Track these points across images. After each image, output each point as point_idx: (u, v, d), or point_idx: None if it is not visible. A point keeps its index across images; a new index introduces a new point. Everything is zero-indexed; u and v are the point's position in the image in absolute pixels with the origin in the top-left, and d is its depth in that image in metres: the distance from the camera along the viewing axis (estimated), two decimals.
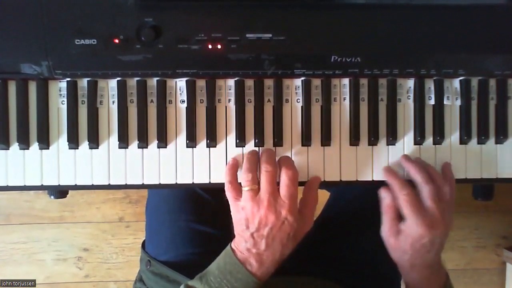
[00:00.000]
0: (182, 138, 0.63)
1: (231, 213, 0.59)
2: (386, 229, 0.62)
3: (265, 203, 0.56)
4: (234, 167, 0.61)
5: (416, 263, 0.61)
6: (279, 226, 0.56)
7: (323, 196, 0.92)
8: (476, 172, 0.64)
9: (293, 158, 0.63)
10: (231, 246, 0.60)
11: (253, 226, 0.56)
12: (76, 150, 0.62)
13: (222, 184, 0.63)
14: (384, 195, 0.62)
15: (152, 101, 0.62)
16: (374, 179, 0.64)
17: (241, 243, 0.58)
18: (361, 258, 0.79)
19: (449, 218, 0.59)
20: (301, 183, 0.62)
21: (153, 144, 0.62)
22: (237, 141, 0.62)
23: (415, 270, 0.62)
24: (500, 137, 0.65)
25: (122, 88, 0.62)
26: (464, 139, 0.64)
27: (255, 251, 0.57)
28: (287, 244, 0.58)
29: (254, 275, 0.57)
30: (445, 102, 0.64)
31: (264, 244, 0.57)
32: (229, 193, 0.59)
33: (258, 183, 0.57)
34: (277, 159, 0.61)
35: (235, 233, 0.60)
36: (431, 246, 0.59)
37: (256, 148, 0.63)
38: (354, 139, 0.63)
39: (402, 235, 0.60)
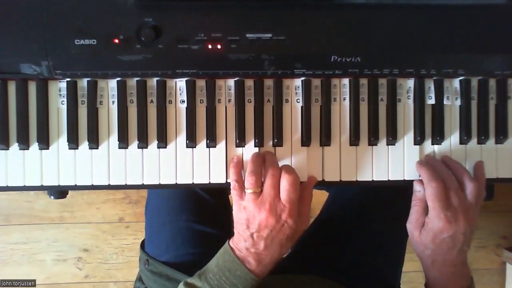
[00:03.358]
0: (182, 138, 0.63)
1: (233, 211, 0.59)
2: (412, 221, 0.62)
3: (266, 206, 0.56)
4: (239, 165, 0.61)
5: (438, 259, 0.61)
6: (278, 228, 0.57)
7: (322, 196, 0.92)
8: None
9: (292, 158, 0.63)
10: (229, 244, 0.60)
11: (253, 227, 0.57)
12: (76, 150, 0.62)
13: (222, 184, 0.63)
14: (419, 188, 0.62)
15: (152, 101, 0.62)
16: (374, 179, 0.64)
17: (240, 242, 0.59)
18: (361, 258, 0.79)
19: (473, 217, 0.59)
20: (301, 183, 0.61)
21: (153, 144, 0.62)
22: (237, 141, 0.62)
23: (436, 266, 0.62)
24: (500, 137, 0.65)
25: (122, 88, 0.62)
26: (464, 139, 0.64)
27: (254, 250, 0.58)
28: (286, 244, 0.59)
29: (253, 273, 0.58)
30: (445, 102, 0.64)
31: (263, 245, 0.57)
32: (234, 191, 0.59)
33: (261, 186, 0.58)
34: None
35: (235, 231, 0.60)
36: (452, 242, 0.59)
37: (256, 149, 0.63)
38: (354, 139, 0.63)
39: (425, 229, 0.60)
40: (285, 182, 0.57)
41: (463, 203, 0.59)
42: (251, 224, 0.57)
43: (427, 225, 0.60)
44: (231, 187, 0.60)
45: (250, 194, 0.57)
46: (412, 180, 0.63)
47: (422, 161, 0.63)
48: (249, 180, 0.57)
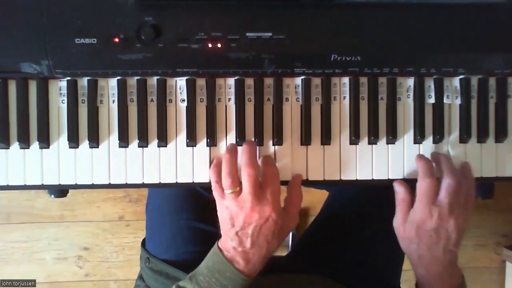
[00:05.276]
0: (182, 137, 0.63)
1: (218, 212, 0.60)
2: (398, 219, 0.62)
3: (248, 204, 0.56)
4: (219, 165, 0.60)
5: (424, 254, 0.60)
6: (263, 224, 0.57)
7: (322, 195, 0.92)
8: (476, 171, 0.64)
9: (292, 157, 0.63)
10: (218, 245, 0.60)
11: (238, 224, 0.57)
12: (77, 149, 0.62)
13: None
14: (398, 189, 0.62)
15: (152, 100, 0.62)
16: (374, 178, 0.64)
17: (227, 242, 0.59)
18: (361, 257, 0.79)
19: (459, 214, 0.59)
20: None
21: (153, 143, 0.62)
22: (237, 140, 0.62)
23: (423, 263, 0.61)
24: (500, 136, 0.65)
25: (122, 87, 0.62)
26: (464, 138, 0.64)
27: (241, 249, 0.58)
28: (273, 241, 0.59)
29: (242, 273, 0.58)
30: (445, 101, 0.64)
31: (249, 242, 0.57)
32: (215, 192, 0.59)
33: (240, 183, 0.57)
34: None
35: (221, 232, 0.60)
36: (436, 237, 0.59)
37: (257, 148, 0.63)
38: (354, 138, 0.63)
39: (408, 221, 0.61)
40: (266, 175, 0.57)
41: (452, 200, 0.58)
42: (236, 222, 0.57)
43: (410, 217, 0.60)
44: (212, 187, 0.60)
45: (230, 194, 0.57)
46: (412, 179, 0.63)
47: (421, 155, 0.63)
48: (226, 182, 0.57)
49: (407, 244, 0.62)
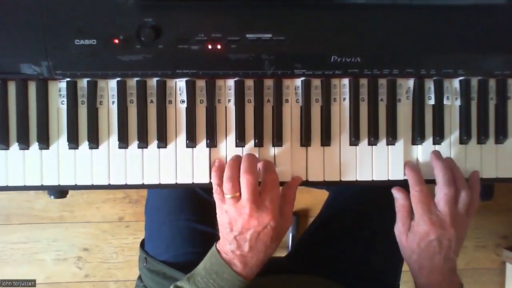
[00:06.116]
0: (182, 138, 0.63)
1: (217, 215, 0.60)
2: (399, 227, 0.63)
3: (247, 210, 0.56)
4: (221, 168, 0.60)
5: (425, 264, 0.61)
6: (261, 230, 0.57)
7: (322, 195, 0.92)
8: None
9: (292, 158, 0.63)
10: (216, 247, 0.60)
11: (236, 229, 0.57)
12: (76, 150, 0.62)
13: None
14: (397, 196, 0.63)
15: (152, 101, 0.62)
16: (374, 179, 0.64)
17: (225, 245, 0.59)
18: (360, 258, 0.79)
19: (461, 223, 0.59)
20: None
21: (153, 144, 0.62)
22: (237, 141, 0.62)
23: (423, 273, 0.61)
24: (500, 137, 0.65)
25: (122, 88, 0.62)
26: (464, 139, 0.64)
27: (239, 252, 0.58)
28: (271, 245, 0.59)
29: (240, 275, 0.58)
30: (445, 102, 0.64)
31: (247, 247, 0.58)
32: (216, 195, 0.59)
33: (239, 190, 0.57)
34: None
35: (220, 234, 0.60)
36: (438, 247, 0.59)
37: (256, 149, 0.63)
38: (354, 139, 0.63)
39: (411, 232, 0.61)
40: (265, 182, 0.57)
41: (451, 210, 0.59)
42: (234, 226, 0.57)
43: (413, 228, 0.61)
44: (213, 190, 0.60)
45: (230, 199, 0.57)
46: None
47: (409, 164, 0.63)
48: (226, 187, 0.57)
49: (409, 254, 0.62)
